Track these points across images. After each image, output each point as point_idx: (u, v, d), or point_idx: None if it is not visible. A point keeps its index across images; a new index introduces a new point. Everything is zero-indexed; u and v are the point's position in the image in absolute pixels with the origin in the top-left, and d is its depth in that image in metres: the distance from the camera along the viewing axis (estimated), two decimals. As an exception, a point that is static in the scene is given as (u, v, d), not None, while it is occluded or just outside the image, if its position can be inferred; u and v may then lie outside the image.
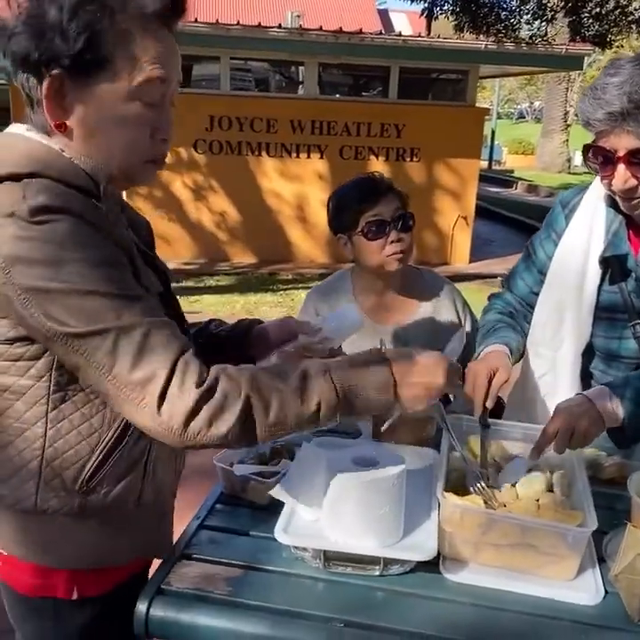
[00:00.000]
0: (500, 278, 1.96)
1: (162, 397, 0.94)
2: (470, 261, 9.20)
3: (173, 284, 1.28)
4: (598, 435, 1.42)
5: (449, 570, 1.21)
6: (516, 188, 19.02)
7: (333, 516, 1.19)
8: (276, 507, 1.28)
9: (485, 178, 17.29)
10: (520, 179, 20.15)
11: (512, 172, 23.14)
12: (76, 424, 1.08)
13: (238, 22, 8.19)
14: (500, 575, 1.20)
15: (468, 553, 1.23)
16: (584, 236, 1.62)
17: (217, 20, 8.15)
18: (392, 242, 1.88)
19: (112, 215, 1.06)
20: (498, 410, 1.82)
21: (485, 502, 1.27)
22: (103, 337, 0.94)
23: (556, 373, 1.70)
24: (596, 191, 1.63)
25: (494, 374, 1.52)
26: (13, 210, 0.94)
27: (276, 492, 1.25)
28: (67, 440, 1.09)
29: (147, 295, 1.04)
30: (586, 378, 1.71)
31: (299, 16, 11.98)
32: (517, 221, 12.08)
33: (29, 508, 1.12)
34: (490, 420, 1.52)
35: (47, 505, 1.11)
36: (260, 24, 8.27)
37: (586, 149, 1.47)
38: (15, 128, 1.08)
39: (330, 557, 1.19)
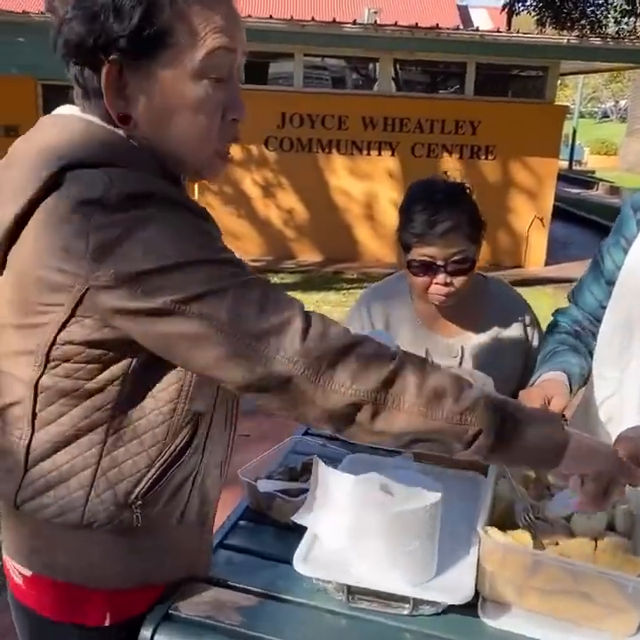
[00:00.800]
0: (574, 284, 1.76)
1: (304, 336, 0.87)
2: (546, 264, 8.80)
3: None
4: (667, 469, 1.25)
5: (488, 614, 1.08)
6: (597, 190, 18.31)
7: (358, 548, 1.08)
8: (303, 527, 1.17)
9: (565, 178, 16.74)
10: (601, 180, 19.39)
11: (593, 172, 22.31)
12: (140, 433, 0.98)
13: (313, 18, 8.13)
14: (548, 624, 1.06)
15: (511, 596, 1.09)
16: (658, 242, 1.44)
17: (291, 17, 8.12)
18: (437, 284, 1.71)
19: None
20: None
21: (534, 538, 1.13)
22: (222, 296, 0.87)
23: (622, 396, 1.51)
24: None
25: (549, 402, 1.37)
26: (99, 196, 0.85)
27: (298, 517, 1.14)
28: (127, 449, 0.98)
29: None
30: (658, 402, 1.52)
31: (376, 12, 11.86)
32: (598, 224, 11.55)
33: (74, 522, 1.00)
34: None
35: (94, 518, 1.00)
36: (334, 20, 8.19)
37: None
38: (67, 109, 0.98)
39: (354, 591, 1.08)
